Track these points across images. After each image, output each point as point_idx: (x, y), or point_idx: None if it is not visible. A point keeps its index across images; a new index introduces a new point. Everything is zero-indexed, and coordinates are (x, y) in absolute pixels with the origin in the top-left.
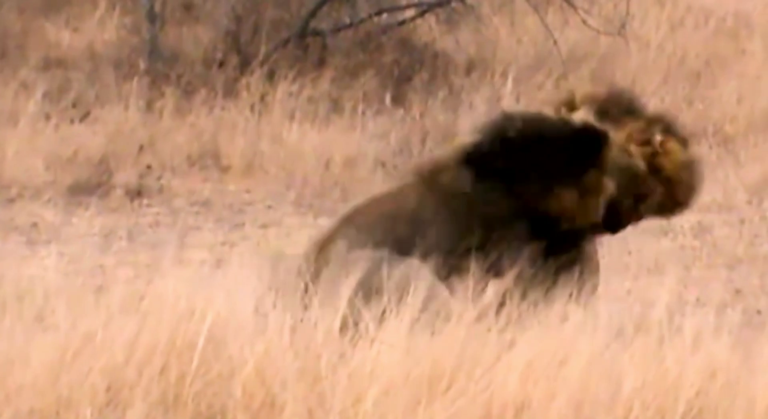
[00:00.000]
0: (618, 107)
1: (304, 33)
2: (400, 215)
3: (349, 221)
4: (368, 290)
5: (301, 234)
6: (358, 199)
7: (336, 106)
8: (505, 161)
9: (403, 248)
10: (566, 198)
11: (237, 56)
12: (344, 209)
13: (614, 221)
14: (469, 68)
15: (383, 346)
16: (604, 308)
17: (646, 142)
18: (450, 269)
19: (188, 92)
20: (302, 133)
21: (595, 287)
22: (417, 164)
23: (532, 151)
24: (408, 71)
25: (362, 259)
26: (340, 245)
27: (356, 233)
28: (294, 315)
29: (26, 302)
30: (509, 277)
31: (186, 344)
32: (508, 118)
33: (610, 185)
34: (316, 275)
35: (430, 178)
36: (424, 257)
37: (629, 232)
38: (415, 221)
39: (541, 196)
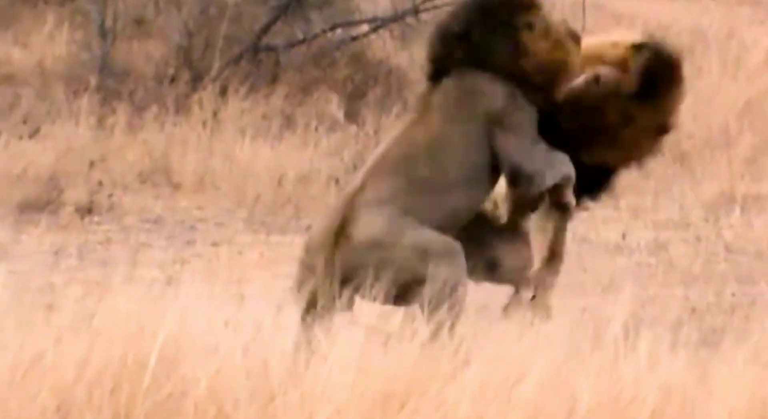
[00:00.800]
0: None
1: (256, 49)
2: (418, 154)
3: (375, 171)
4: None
5: (252, 252)
6: (311, 217)
7: (289, 122)
8: (464, 43)
9: (425, 189)
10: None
11: (189, 72)
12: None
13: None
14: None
15: (336, 365)
16: (559, 326)
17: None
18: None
19: (139, 108)
20: (254, 149)
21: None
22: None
23: (478, 27)
24: (362, 87)
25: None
26: (368, 196)
27: (382, 183)
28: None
29: None
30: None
31: (137, 363)
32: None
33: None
34: (343, 229)
35: (424, 108)
36: (445, 196)
37: (584, 250)
38: (433, 156)
39: (512, 57)
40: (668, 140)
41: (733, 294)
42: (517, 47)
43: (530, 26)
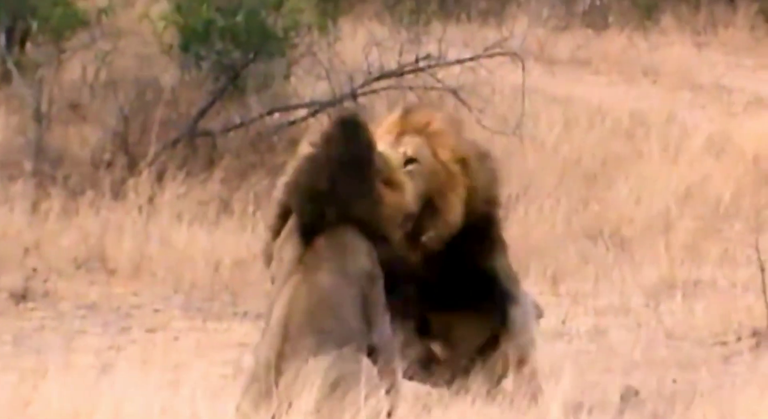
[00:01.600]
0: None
1: (193, 133)
2: (318, 310)
3: (286, 333)
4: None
5: (189, 338)
6: (248, 303)
7: (226, 207)
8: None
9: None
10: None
11: (125, 157)
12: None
13: None
14: None
15: None
16: (499, 413)
17: None
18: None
19: (75, 194)
20: (191, 235)
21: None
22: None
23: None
24: None
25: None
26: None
27: (299, 347)
28: None
29: None
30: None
31: None
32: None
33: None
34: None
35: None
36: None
37: None
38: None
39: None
40: (608, 225)
41: (674, 381)
42: (376, 202)
43: (386, 182)
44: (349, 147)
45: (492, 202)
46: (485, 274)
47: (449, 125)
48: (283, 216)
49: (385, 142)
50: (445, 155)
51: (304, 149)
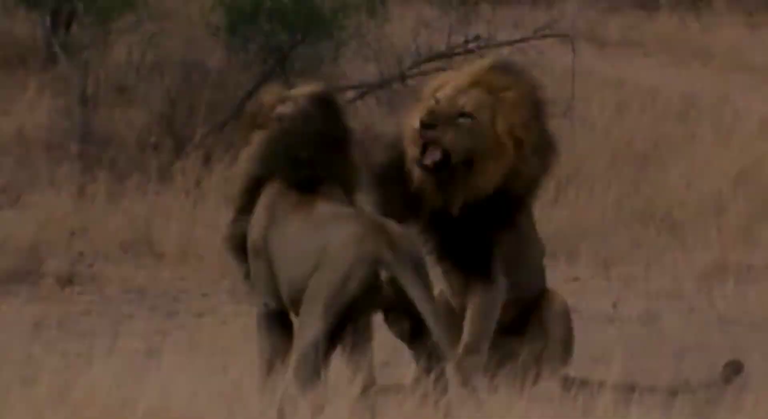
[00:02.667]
0: None
1: (240, 116)
2: None
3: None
4: None
5: (236, 323)
6: None
7: None
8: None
9: None
10: None
11: (171, 140)
12: None
13: None
14: None
15: None
16: (549, 398)
17: None
18: None
19: (121, 177)
20: None
21: None
22: None
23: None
24: None
25: None
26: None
27: None
28: None
29: None
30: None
31: None
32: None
33: None
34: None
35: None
36: None
37: (574, 321)
38: None
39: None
40: (660, 209)
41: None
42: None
43: None
44: (326, 124)
45: (530, 190)
46: (486, 248)
47: (530, 102)
48: (251, 190)
49: (453, 86)
50: (502, 125)
51: (276, 122)
